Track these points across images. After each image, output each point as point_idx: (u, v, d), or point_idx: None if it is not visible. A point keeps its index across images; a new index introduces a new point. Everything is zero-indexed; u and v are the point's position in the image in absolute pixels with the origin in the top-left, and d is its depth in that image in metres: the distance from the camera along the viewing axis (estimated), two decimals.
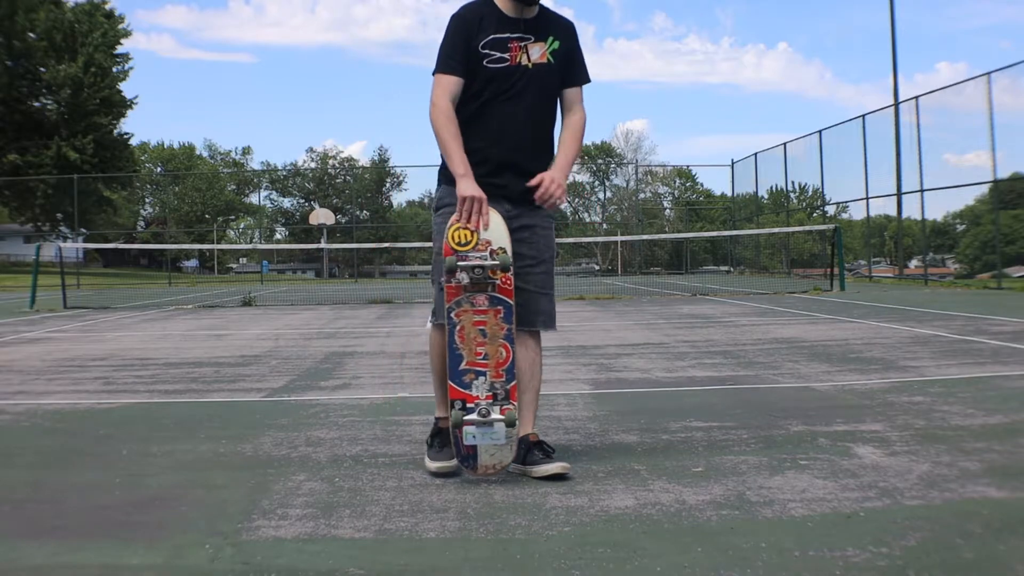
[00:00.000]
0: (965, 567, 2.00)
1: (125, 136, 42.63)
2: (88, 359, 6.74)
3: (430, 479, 2.88)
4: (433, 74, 2.95)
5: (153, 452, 3.39)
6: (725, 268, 35.16)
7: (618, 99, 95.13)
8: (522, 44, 2.95)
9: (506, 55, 2.93)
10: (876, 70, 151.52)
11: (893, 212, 21.95)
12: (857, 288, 16.47)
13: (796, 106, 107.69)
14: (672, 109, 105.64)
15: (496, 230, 2.86)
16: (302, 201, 57.10)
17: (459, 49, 2.92)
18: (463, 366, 2.84)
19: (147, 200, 56.49)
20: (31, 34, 37.62)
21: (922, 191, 18.66)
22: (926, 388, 4.53)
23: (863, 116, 21.49)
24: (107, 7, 41.47)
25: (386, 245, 29.95)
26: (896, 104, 20.51)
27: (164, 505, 2.65)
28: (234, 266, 53.66)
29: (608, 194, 54.72)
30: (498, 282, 2.85)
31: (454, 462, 2.89)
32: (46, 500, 2.74)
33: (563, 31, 3.04)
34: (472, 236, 2.84)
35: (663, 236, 42.63)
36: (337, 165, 57.02)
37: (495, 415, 2.80)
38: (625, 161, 55.24)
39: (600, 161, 56.83)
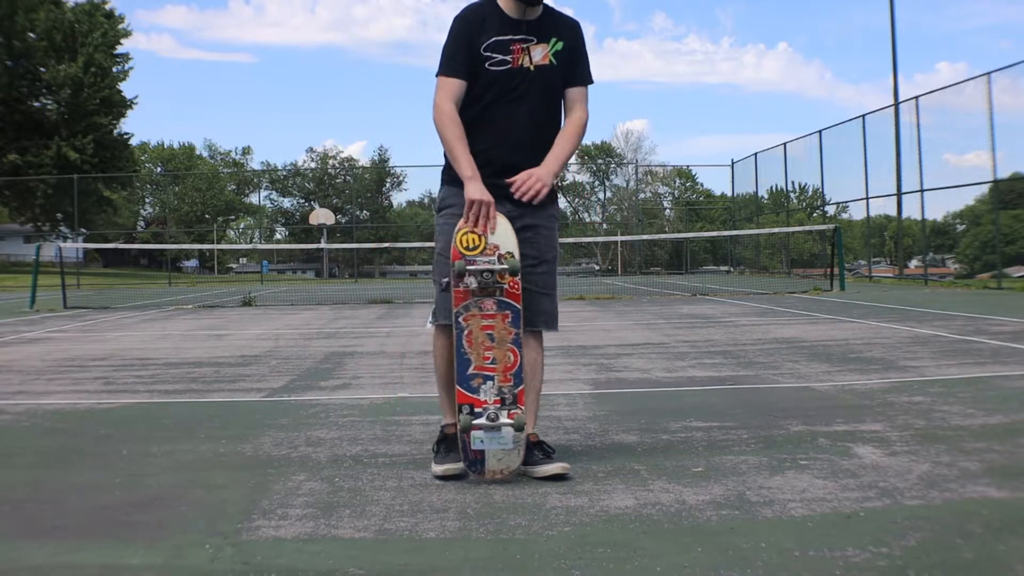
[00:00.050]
0: (965, 567, 2.00)
1: (125, 136, 42.65)
2: (88, 359, 6.74)
3: (430, 479, 2.88)
4: (436, 76, 2.95)
5: (153, 452, 3.39)
6: (725, 268, 35.16)
7: (618, 99, 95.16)
8: (524, 46, 2.92)
9: (508, 57, 2.91)
10: (876, 70, 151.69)
11: (893, 212, 21.98)
12: (857, 288, 16.47)
13: (796, 106, 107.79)
14: (672, 109, 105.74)
15: (504, 234, 2.86)
16: (302, 201, 57.12)
17: (461, 51, 2.91)
18: (471, 370, 2.83)
19: (147, 200, 56.49)
20: (31, 34, 37.62)
21: (922, 191, 18.67)
22: (926, 388, 4.53)
23: (863, 116, 21.50)
24: (107, 7, 41.48)
25: (386, 245, 29.96)
26: (896, 104, 20.51)
27: (164, 505, 2.65)
28: (234, 266, 53.66)
29: (608, 194, 54.73)
30: (506, 286, 2.85)
31: (460, 465, 2.87)
32: (46, 500, 2.74)
33: (567, 31, 3.01)
34: (480, 240, 2.84)
35: (663, 236, 42.63)
36: (337, 165, 57.07)
37: (504, 419, 2.80)
38: (625, 161, 55.27)
39: (600, 161, 56.82)
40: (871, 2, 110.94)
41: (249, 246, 48.89)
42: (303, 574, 2.06)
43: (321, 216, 39.74)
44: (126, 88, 54.03)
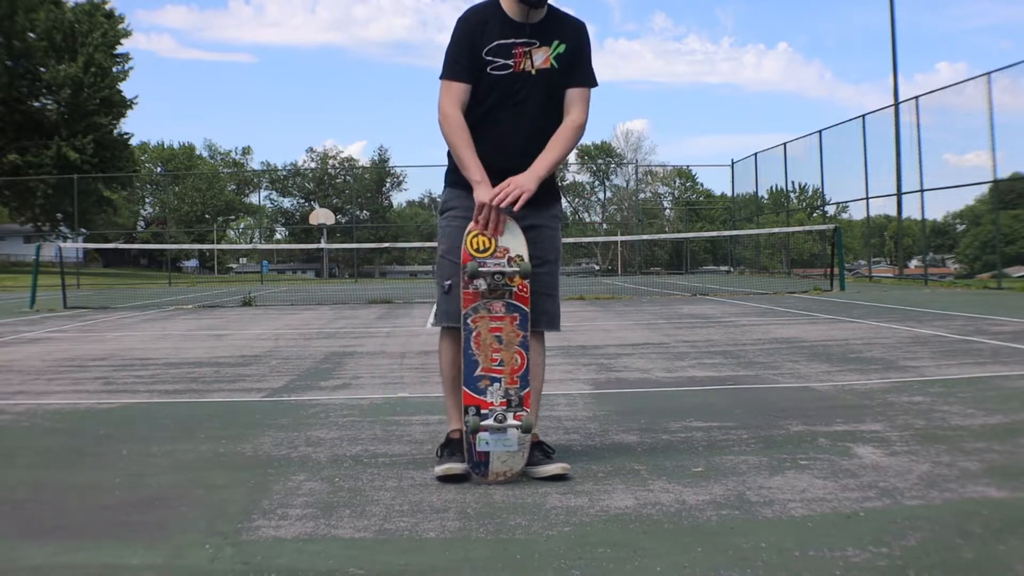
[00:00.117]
0: (965, 567, 2.00)
1: (125, 136, 42.66)
2: (88, 359, 6.74)
3: (430, 479, 2.88)
4: (440, 79, 2.93)
5: (153, 452, 3.38)
6: (725, 268, 35.17)
7: (618, 99, 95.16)
8: (527, 49, 2.90)
9: (510, 61, 2.89)
10: (876, 70, 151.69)
11: (893, 212, 21.98)
12: (857, 288, 16.47)
13: (796, 106, 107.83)
14: (672, 109, 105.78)
15: (514, 237, 2.87)
16: (302, 201, 57.14)
17: (464, 54, 2.89)
18: (479, 372, 2.83)
19: (147, 200, 56.51)
20: (31, 34, 37.63)
21: (922, 191, 18.67)
22: (926, 388, 4.53)
23: (863, 116, 21.51)
24: (107, 7, 41.49)
25: (386, 245, 29.98)
26: (896, 104, 20.52)
27: (164, 505, 2.65)
28: (234, 266, 53.67)
29: (608, 194, 54.73)
30: (515, 289, 2.85)
31: (461, 466, 2.86)
32: (46, 500, 2.74)
33: (571, 32, 2.97)
34: (491, 243, 2.84)
35: (663, 236, 42.65)
36: (337, 165, 57.10)
37: (510, 421, 2.80)
38: (625, 161, 55.29)
39: (600, 161, 56.84)
40: (871, 2, 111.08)
41: (249, 246, 48.90)
42: (303, 574, 2.06)
43: (321, 216, 39.75)
44: (126, 88, 54.15)
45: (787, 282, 20.85)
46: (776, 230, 25.34)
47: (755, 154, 29.37)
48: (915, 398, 4.24)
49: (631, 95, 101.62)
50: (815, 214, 28.30)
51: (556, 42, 2.94)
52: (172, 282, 30.72)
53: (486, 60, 2.88)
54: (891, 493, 2.60)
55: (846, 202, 24.53)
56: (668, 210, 54.26)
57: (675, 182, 58.13)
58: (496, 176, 2.88)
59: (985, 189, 18.77)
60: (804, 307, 11.26)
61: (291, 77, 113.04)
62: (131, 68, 43.18)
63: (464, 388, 2.84)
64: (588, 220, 54.78)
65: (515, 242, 2.87)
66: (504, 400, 2.82)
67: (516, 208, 2.82)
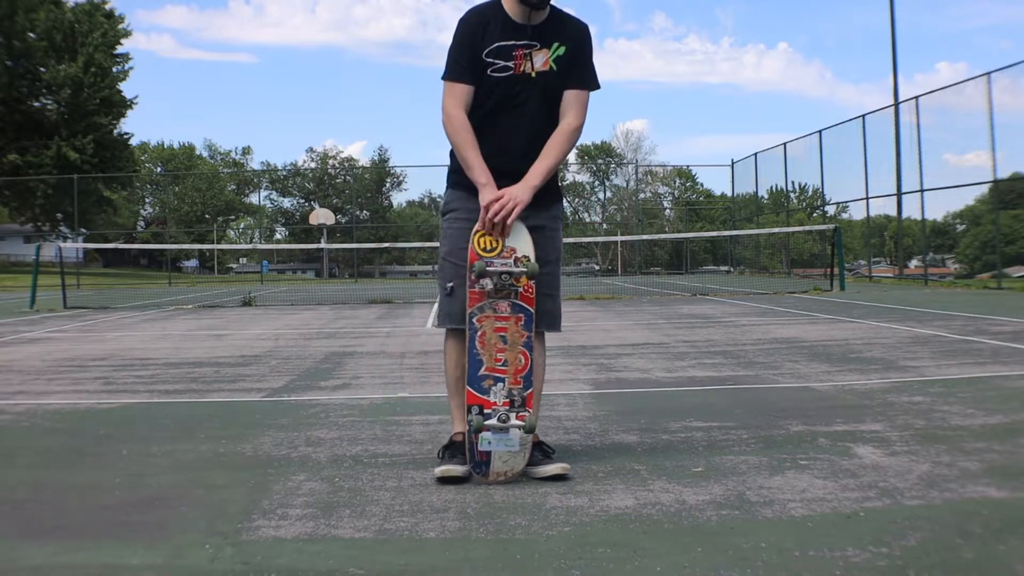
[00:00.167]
0: (965, 567, 2.00)
1: (125, 136, 42.66)
2: (88, 359, 6.74)
3: (430, 479, 2.88)
4: (443, 80, 2.92)
5: (153, 452, 3.38)
6: (725, 268, 35.17)
7: (618, 99, 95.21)
8: (527, 52, 2.89)
9: (510, 63, 2.88)
10: (876, 70, 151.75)
11: (893, 212, 21.99)
12: (857, 288, 16.47)
13: (796, 106, 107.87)
14: (672, 109, 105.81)
15: (521, 238, 2.87)
16: (302, 201, 57.14)
17: (466, 56, 2.88)
18: (482, 371, 2.84)
19: (147, 200, 56.52)
20: (31, 34, 37.63)
21: (922, 191, 18.67)
22: (926, 388, 4.53)
23: (863, 116, 21.51)
24: (107, 7, 41.49)
25: (386, 245, 29.97)
26: (896, 104, 20.52)
27: (164, 505, 2.65)
28: (234, 266, 53.67)
29: (608, 194, 54.73)
30: (521, 289, 2.86)
31: (461, 469, 2.85)
32: (46, 500, 2.74)
33: (572, 34, 2.95)
34: (497, 242, 2.85)
35: (663, 236, 42.65)
36: (337, 165, 57.09)
37: (513, 421, 2.80)
38: (625, 161, 55.29)
39: (600, 161, 56.84)
40: (871, 2, 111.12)
41: (249, 246, 48.90)
42: (303, 574, 2.06)
43: (321, 216, 39.75)
44: (126, 88, 54.18)
45: (787, 282, 20.85)
46: (776, 230, 25.34)
47: (755, 154, 29.38)
48: (915, 398, 4.24)
49: (631, 95, 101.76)
50: (815, 214, 28.30)
51: (556, 44, 2.92)
52: (172, 282, 30.73)
53: (486, 62, 2.88)
54: (891, 493, 2.60)
55: (846, 202, 24.56)
56: (668, 210, 54.27)
57: (675, 182, 58.14)
58: (498, 177, 2.88)
59: (985, 189, 18.79)
60: (804, 307, 11.26)
61: (291, 77, 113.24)
62: (131, 68, 43.26)
63: (468, 387, 2.84)
64: (588, 220, 54.81)
65: (522, 242, 2.88)
66: (507, 400, 2.82)
67: (510, 222, 2.83)
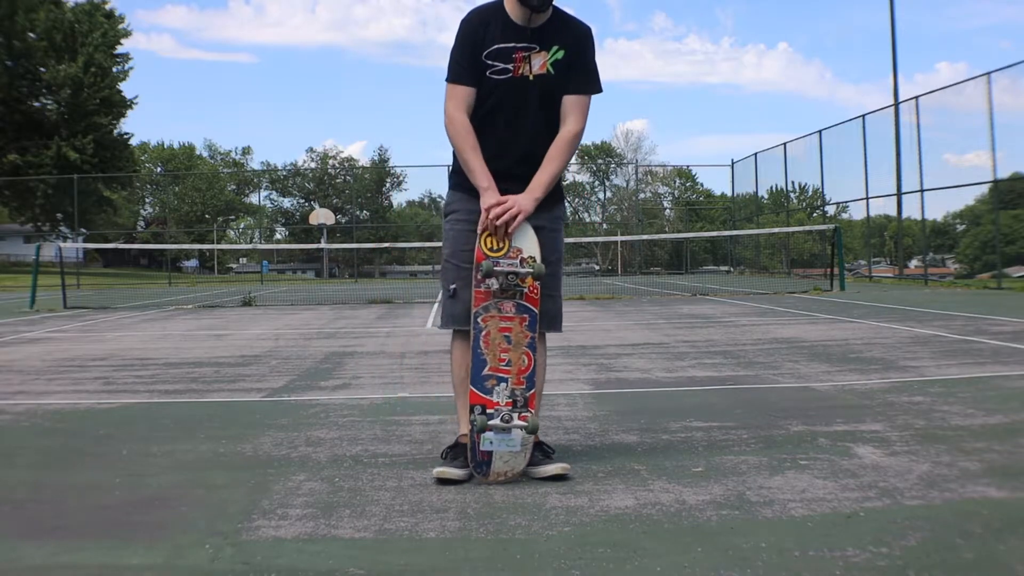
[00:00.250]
0: (965, 567, 2.00)
1: (125, 136, 42.64)
2: (88, 359, 6.74)
3: (430, 479, 2.88)
4: (446, 82, 2.92)
5: (153, 452, 3.39)
6: (725, 268, 35.17)
7: (618, 99, 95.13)
8: (526, 54, 2.88)
9: (509, 66, 2.87)
10: (876, 70, 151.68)
11: (893, 212, 21.99)
12: (857, 288, 16.47)
13: (796, 106, 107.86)
14: (672, 109, 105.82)
15: (527, 239, 2.87)
16: (302, 201, 57.14)
17: (466, 57, 2.88)
18: (486, 371, 2.84)
19: (147, 200, 56.53)
20: (31, 34, 37.62)
21: (922, 191, 18.67)
22: (926, 388, 4.53)
23: (863, 116, 21.51)
24: (107, 7, 41.48)
25: (386, 245, 29.95)
26: (896, 104, 20.52)
27: (164, 505, 2.65)
28: (234, 266, 53.68)
29: (608, 194, 54.79)
30: (526, 290, 2.86)
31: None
32: (46, 500, 2.74)
33: (572, 38, 2.93)
34: (504, 243, 2.85)
35: (663, 236, 42.66)
36: (337, 165, 57.09)
37: (516, 422, 2.80)
38: (625, 161, 55.31)
39: (600, 161, 56.84)
40: (871, 2, 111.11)
41: (249, 246, 48.87)
42: (303, 574, 2.06)
43: (321, 216, 39.75)
44: (126, 88, 54.22)
45: (787, 282, 20.85)
46: (776, 230, 25.35)
47: (755, 154, 29.38)
48: (915, 398, 4.24)
49: (631, 95, 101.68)
50: (815, 214, 28.31)
51: (555, 47, 2.90)
52: (172, 282, 30.72)
53: (486, 64, 2.87)
54: (891, 493, 2.60)
55: (846, 202, 24.55)
56: (668, 210, 54.27)
57: (675, 182, 58.13)
58: (498, 179, 2.88)
59: (985, 189, 18.79)
60: (804, 307, 11.26)
61: (291, 77, 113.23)
62: (131, 68, 43.23)
63: (471, 387, 2.84)
64: (588, 220, 54.83)
65: (528, 243, 2.88)
66: (510, 400, 2.82)
67: (510, 230, 2.84)
